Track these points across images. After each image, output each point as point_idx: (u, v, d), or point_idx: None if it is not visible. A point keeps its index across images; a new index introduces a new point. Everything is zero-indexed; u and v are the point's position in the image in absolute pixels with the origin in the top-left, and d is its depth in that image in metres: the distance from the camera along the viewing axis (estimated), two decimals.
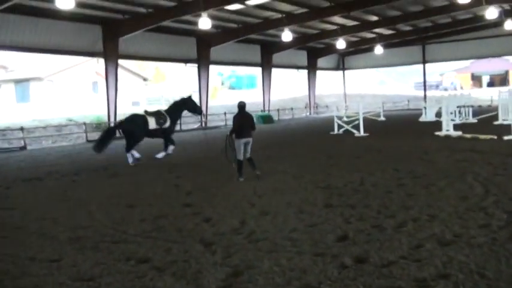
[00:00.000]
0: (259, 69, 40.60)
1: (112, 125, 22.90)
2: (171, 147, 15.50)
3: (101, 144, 15.17)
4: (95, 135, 21.36)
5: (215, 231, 6.89)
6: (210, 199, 9.18)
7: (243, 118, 11.39)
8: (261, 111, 37.75)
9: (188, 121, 31.85)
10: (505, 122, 20.60)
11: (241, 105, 11.50)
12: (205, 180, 11.43)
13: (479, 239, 5.90)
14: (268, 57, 39.05)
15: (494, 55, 50.96)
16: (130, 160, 14.88)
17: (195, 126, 33.53)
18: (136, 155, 14.88)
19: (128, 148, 14.96)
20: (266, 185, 10.32)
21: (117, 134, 16.37)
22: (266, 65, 39.40)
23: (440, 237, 6.07)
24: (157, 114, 15.52)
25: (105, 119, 28.46)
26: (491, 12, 31.67)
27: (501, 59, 68.96)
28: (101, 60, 28.96)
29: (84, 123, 27.09)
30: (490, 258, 5.23)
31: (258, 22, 30.53)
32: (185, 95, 16.92)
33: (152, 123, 15.11)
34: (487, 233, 6.16)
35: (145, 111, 15.96)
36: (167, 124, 15.43)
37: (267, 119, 35.12)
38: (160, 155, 15.32)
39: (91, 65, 42.37)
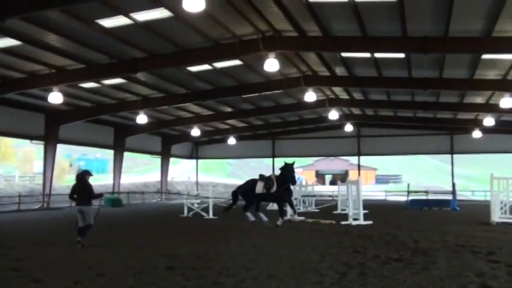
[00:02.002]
0: (112, 152, 39.78)
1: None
2: (281, 219, 16.62)
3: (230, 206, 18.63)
4: None
5: None
6: (43, 264, 8.51)
7: (80, 185, 11.60)
8: (110, 193, 36.57)
9: (28, 201, 29.76)
10: (343, 212, 22.16)
11: (81, 173, 11.95)
12: (40, 249, 10.62)
13: None
14: (121, 140, 38.46)
15: (335, 154, 55.52)
16: (250, 219, 17.00)
17: (36, 206, 31.39)
18: (265, 218, 16.62)
19: (244, 208, 17.38)
20: (108, 253, 9.87)
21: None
22: (119, 148, 38.70)
23: None
24: (266, 180, 16.91)
25: None
26: (332, 114, 34.83)
27: (342, 159, 75.21)
28: None
29: None
30: None
31: (112, 103, 30.24)
32: (289, 161, 17.46)
33: (259, 188, 16.72)
34: (320, 286, 6.43)
35: (260, 176, 17.62)
36: (273, 189, 16.48)
37: (115, 201, 34.05)
38: (279, 221, 16.37)
39: None
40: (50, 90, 24.07)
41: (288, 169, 16.90)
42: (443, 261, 8.63)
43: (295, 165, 17.60)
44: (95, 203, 12.48)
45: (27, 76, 23.14)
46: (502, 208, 17.60)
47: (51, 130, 31.05)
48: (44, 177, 31.35)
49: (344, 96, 32.91)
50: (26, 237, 13.85)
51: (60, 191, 36.15)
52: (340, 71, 25.21)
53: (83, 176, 11.69)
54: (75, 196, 11.76)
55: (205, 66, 23.61)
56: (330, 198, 34.71)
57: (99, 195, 12.48)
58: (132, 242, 11.97)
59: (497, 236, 12.82)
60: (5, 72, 22.52)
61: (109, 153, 39.77)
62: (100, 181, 52.20)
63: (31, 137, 32.01)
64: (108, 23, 17.21)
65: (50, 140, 31.31)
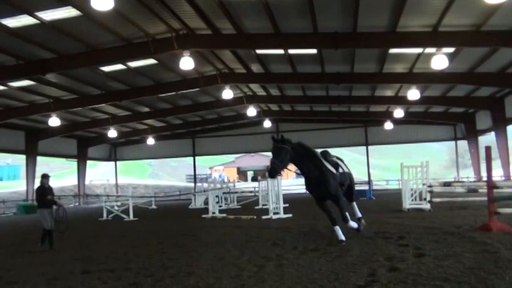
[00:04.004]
0: (24, 157, 38.05)
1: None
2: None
3: None
4: None
5: None
6: None
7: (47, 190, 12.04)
8: (23, 201, 35.06)
9: None
10: (265, 207, 22.45)
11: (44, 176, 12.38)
12: None
13: (229, 286, 6.20)
14: (33, 144, 36.84)
15: (255, 151, 56.07)
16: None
17: None
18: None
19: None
20: (20, 261, 9.48)
21: None
22: (31, 153, 37.06)
23: (195, 287, 6.23)
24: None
25: None
26: (251, 111, 35.19)
27: (263, 155, 76.00)
28: None
29: None
30: None
31: (22, 106, 28.92)
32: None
33: None
34: (238, 281, 6.53)
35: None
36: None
37: (29, 208, 32.63)
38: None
39: None
40: None
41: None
42: (356, 248, 8.98)
43: None
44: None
45: None
46: (412, 195, 18.48)
47: None
48: None
49: (261, 92, 33.35)
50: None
51: None
52: (256, 68, 25.52)
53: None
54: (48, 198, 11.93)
55: (119, 66, 23.17)
56: (252, 194, 35.13)
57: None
58: (46, 248, 11.55)
59: (407, 222, 13.47)
60: None
61: (21, 159, 37.93)
62: (12, 188, 49.87)
63: None
64: (11, 22, 16.50)
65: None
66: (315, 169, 10.03)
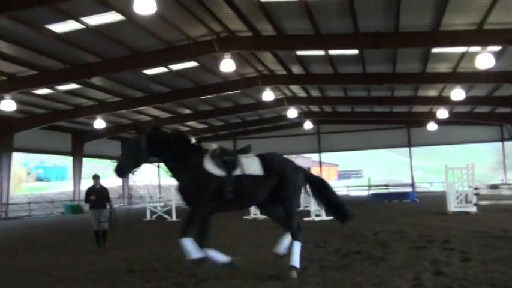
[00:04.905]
0: (71, 158, 39.06)
1: None
2: None
3: None
4: None
5: None
6: (3, 273, 8.33)
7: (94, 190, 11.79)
8: (70, 201, 35.97)
9: None
10: (306, 208, 22.35)
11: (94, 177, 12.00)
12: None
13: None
14: (79, 146, 37.85)
15: (296, 153, 55.81)
16: None
17: None
18: None
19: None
20: (69, 259, 9.72)
21: None
22: (77, 154, 38.07)
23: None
24: None
25: None
26: (291, 112, 35.14)
27: (304, 157, 75.70)
28: None
29: None
30: None
31: (68, 109, 29.72)
32: None
33: None
34: (281, 283, 6.55)
35: None
36: None
37: (76, 209, 33.49)
38: None
39: None
40: (2, 98, 23.54)
41: None
42: (401, 252, 8.84)
43: None
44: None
45: None
46: (457, 198, 18.10)
47: (5, 139, 30.30)
48: (0, 187, 30.57)
49: (302, 94, 33.25)
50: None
51: (18, 200, 35.37)
52: (296, 69, 25.48)
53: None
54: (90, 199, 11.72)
55: (161, 69, 23.52)
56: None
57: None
58: (93, 247, 11.80)
59: (452, 225, 13.20)
60: None
61: (68, 160, 39.00)
62: (59, 188, 51.29)
63: None
64: (58, 28, 16.97)
65: (5, 149, 30.53)
66: (181, 167, 7.23)
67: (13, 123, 29.99)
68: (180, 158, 7.20)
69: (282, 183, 7.31)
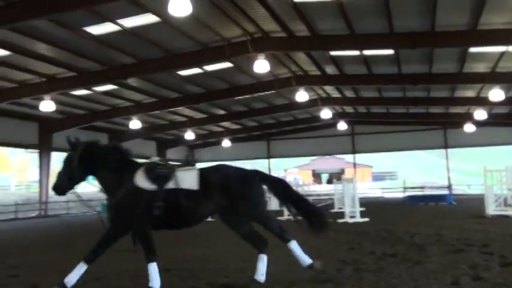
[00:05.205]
0: None
1: None
2: None
3: None
4: None
5: None
6: (40, 270, 8.52)
7: None
8: (106, 200, 36.43)
9: (25, 209, 29.71)
10: (340, 210, 22.22)
11: None
12: (38, 256, 10.62)
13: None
14: None
15: (330, 153, 55.60)
16: None
17: (33, 214, 31.35)
18: None
19: None
20: (106, 257, 9.85)
21: None
22: None
23: None
24: None
25: None
26: (325, 113, 34.95)
27: (338, 158, 75.31)
28: None
29: None
30: None
31: (105, 109, 30.27)
32: None
33: None
34: (315, 284, 6.53)
35: None
36: None
37: None
38: None
39: None
40: (42, 99, 24.17)
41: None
42: (437, 255, 8.68)
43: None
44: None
45: (18, 86, 23.17)
46: (496, 201, 17.68)
47: (44, 138, 31.04)
48: (40, 186, 31.40)
49: (336, 94, 33.05)
50: (23, 245, 13.84)
51: (57, 199, 36.10)
52: (330, 69, 25.34)
53: None
54: None
55: (196, 70, 23.72)
56: (327, 197, 34.84)
57: None
58: (130, 246, 11.95)
59: (491, 229, 12.89)
60: None
61: None
62: (96, 187, 52.14)
63: (25, 146, 32.09)
64: (95, 30, 17.30)
65: (44, 148, 31.30)
66: (113, 183, 6.68)
67: (52, 124, 30.74)
68: (114, 174, 6.69)
69: (232, 200, 6.56)
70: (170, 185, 6.45)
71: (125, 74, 22.01)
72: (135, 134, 36.22)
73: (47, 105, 24.52)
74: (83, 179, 6.77)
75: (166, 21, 16.78)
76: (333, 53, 22.24)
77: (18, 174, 57.35)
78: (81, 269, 6.36)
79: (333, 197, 27.13)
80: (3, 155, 60.57)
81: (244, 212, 6.69)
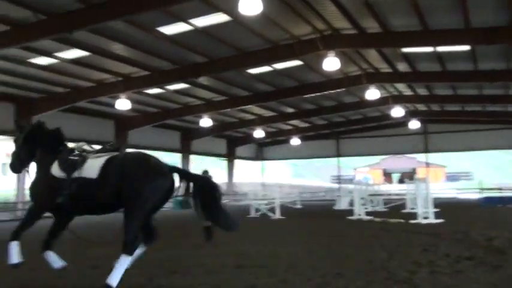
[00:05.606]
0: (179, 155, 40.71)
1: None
2: None
3: None
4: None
5: None
6: None
7: None
8: (179, 196, 37.31)
9: None
10: (412, 211, 21.66)
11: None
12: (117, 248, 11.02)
13: None
14: (187, 143, 39.40)
15: (400, 152, 54.35)
16: None
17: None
18: None
19: None
20: (180, 252, 10.12)
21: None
22: (185, 151, 39.65)
23: None
24: None
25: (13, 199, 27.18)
26: (397, 111, 34.20)
27: (410, 157, 73.40)
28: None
29: None
30: None
31: (177, 107, 31.02)
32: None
33: None
34: (389, 286, 6.37)
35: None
36: None
37: (184, 203, 34.72)
38: None
39: (1, 146, 40.75)
40: (118, 98, 25.09)
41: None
42: None
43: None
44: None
45: (95, 85, 24.16)
46: None
47: (120, 136, 32.21)
48: None
49: (408, 92, 32.26)
50: (105, 237, 14.36)
51: None
52: (402, 66, 24.76)
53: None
54: None
55: (265, 68, 23.83)
56: (398, 197, 34.13)
57: None
58: (200, 241, 12.15)
59: None
60: (75, 81, 23.62)
61: (177, 157, 40.77)
62: None
63: (102, 143, 33.24)
64: (168, 30, 17.72)
65: (120, 145, 32.38)
66: (40, 166, 6.76)
67: (127, 121, 31.85)
68: (47, 156, 6.67)
69: (124, 189, 6.08)
70: (76, 173, 6.31)
71: (196, 72, 22.48)
72: (206, 131, 36.89)
73: (123, 104, 25.48)
74: (30, 159, 6.85)
75: (237, 20, 16.97)
76: (405, 49, 21.71)
77: None
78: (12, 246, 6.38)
79: (404, 197, 26.49)
80: None
81: (126, 203, 6.12)
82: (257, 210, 23.95)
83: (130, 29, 17.35)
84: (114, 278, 5.76)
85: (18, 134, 6.93)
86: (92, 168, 6.27)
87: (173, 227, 17.04)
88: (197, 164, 45.57)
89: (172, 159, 58.43)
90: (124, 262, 5.90)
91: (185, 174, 6.56)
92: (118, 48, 19.47)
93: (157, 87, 25.61)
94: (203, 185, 6.45)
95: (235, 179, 47.81)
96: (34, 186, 6.62)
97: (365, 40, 19.86)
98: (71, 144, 6.86)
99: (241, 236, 13.80)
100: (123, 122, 32.00)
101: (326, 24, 18.64)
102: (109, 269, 6.11)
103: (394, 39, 19.43)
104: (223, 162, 47.72)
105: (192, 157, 41.24)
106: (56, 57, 19.94)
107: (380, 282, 6.65)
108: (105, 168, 6.22)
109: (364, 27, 18.79)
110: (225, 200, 45.28)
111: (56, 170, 6.43)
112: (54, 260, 6.60)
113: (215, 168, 33.46)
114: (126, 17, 15.94)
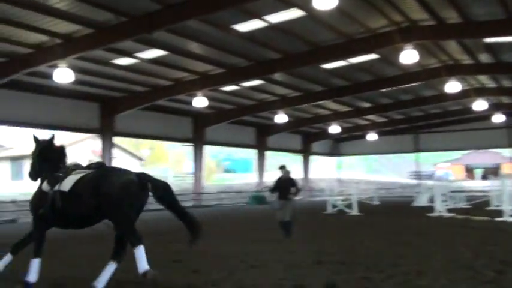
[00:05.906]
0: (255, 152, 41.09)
1: None
2: None
3: None
4: None
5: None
6: (200, 256, 9.07)
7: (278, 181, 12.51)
8: (256, 191, 37.77)
9: (181, 199, 31.68)
10: (498, 208, 20.74)
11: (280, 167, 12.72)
12: None
13: None
14: (263, 139, 39.63)
15: (483, 147, 51.92)
16: None
17: (189, 204, 33.36)
18: None
19: None
20: (260, 247, 10.25)
21: None
22: (261, 148, 39.91)
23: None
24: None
25: None
26: (479, 105, 32.79)
27: (493, 152, 70.10)
28: (97, 138, 29.19)
29: None
30: None
31: (252, 104, 31.29)
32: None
33: None
34: (475, 284, 6.16)
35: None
36: None
37: (260, 199, 35.00)
38: None
39: (86, 143, 42.72)
40: (195, 95, 25.66)
41: None
42: None
43: None
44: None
45: (174, 83, 24.82)
46: None
47: (198, 133, 32.92)
48: (194, 177, 33.48)
49: (491, 84, 30.82)
50: (182, 232, 14.74)
51: (209, 190, 38.23)
52: (484, 57, 23.70)
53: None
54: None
55: (341, 63, 23.55)
56: (482, 193, 32.74)
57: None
58: (278, 237, 12.23)
59: None
60: (155, 80, 24.35)
61: (254, 153, 41.26)
62: (245, 179, 54.36)
63: (180, 140, 34.22)
64: (243, 27, 17.91)
65: (198, 142, 33.21)
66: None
67: (205, 118, 32.50)
68: (45, 173, 7.01)
69: (100, 201, 6.26)
70: (56, 187, 6.58)
71: (271, 68, 22.58)
72: (281, 127, 36.96)
73: (200, 101, 26.02)
74: (41, 171, 7.07)
75: (311, 15, 16.86)
76: (488, 39, 20.75)
77: (175, 166, 61.46)
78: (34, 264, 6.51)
79: (488, 193, 25.37)
80: (163, 149, 65.45)
81: (107, 212, 6.29)
82: (334, 206, 23.76)
83: (206, 28, 17.67)
84: (143, 264, 5.83)
85: (34, 147, 7.27)
86: (68, 182, 6.56)
87: (249, 222, 17.24)
88: (273, 160, 45.78)
89: (248, 154, 59.11)
90: (141, 252, 5.93)
91: (145, 177, 6.59)
92: (194, 46, 19.90)
93: (233, 84, 25.92)
94: (158, 187, 6.54)
95: (310, 175, 47.59)
96: (31, 200, 7.00)
97: (444, 31, 19.18)
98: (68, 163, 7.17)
99: (319, 232, 13.80)
100: (200, 119, 32.67)
101: (403, 16, 18.15)
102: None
103: (476, 29, 18.64)
104: (299, 158, 47.62)
105: (268, 153, 41.43)
106: (136, 58, 20.67)
107: (465, 281, 6.43)
108: (77, 182, 6.50)
109: (443, 18, 18.13)
110: (300, 196, 45.21)
111: (45, 185, 6.81)
112: (4, 263, 6.78)
113: (293, 165, 33.66)
114: (202, 16, 16.25)
